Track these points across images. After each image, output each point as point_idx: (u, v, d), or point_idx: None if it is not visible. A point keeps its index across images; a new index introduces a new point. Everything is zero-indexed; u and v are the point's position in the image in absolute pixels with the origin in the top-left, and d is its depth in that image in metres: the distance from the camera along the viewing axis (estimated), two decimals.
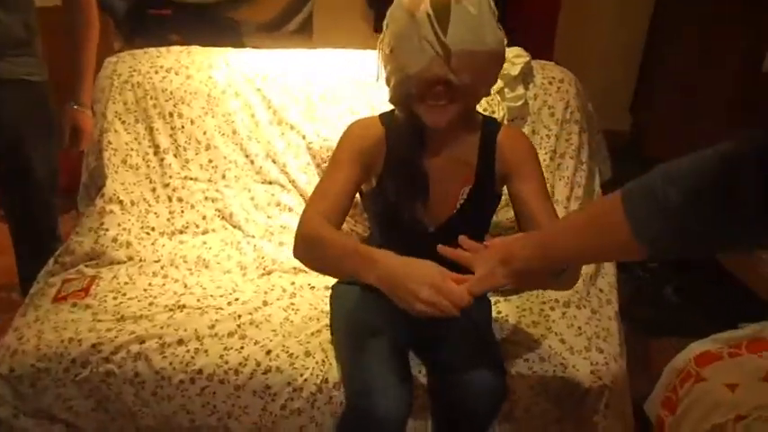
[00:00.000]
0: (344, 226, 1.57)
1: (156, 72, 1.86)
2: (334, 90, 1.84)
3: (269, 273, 1.68)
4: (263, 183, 1.81)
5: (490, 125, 1.35)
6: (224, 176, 1.81)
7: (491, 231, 1.54)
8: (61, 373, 1.40)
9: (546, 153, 1.78)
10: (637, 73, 3.34)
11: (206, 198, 1.80)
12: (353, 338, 1.35)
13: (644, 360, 2.03)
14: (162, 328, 1.46)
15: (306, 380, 1.39)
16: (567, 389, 1.39)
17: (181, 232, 1.77)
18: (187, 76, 1.85)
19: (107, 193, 1.77)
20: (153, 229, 1.76)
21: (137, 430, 1.45)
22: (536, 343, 1.47)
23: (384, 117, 1.35)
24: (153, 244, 1.74)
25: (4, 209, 1.86)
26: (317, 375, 1.39)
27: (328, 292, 1.58)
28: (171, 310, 1.53)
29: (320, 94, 1.83)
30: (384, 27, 1.24)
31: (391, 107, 1.34)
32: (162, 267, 1.68)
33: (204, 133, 1.83)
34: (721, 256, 2.17)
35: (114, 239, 1.71)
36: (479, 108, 1.40)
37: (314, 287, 1.64)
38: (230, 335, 1.46)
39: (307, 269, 1.69)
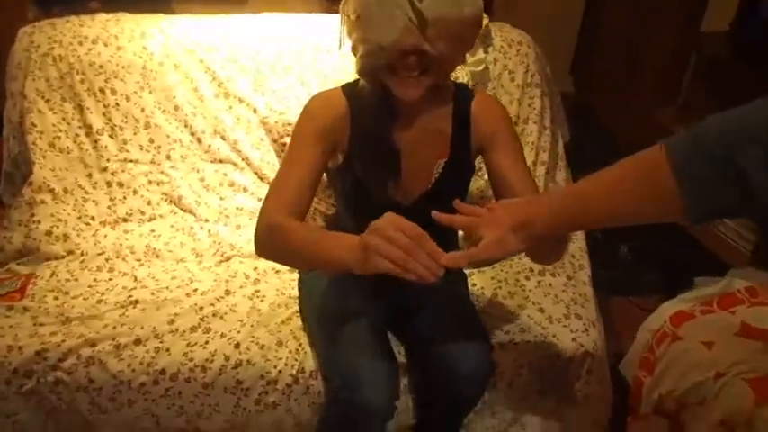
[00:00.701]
0: None
1: (81, 43, 1.66)
2: (284, 59, 1.71)
3: (228, 259, 1.56)
4: (212, 162, 1.67)
5: (463, 92, 1.27)
6: (168, 157, 1.66)
7: None
8: (2, 385, 1.25)
9: None
10: (577, 34, 3.35)
11: (150, 181, 1.65)
12: (330, 325, 1.27)
13: (605, 320, 2.07)
14: (115, 327, 1.33)
15: (280, 371, 1.30)
16: (549, 358, 1.37)
17: (125, 220, 1.61)
18: (118, 48, 1.66)
19: (35, 181, 1.58)
20: (92, 218, 1.60)
21: None
22: (515, 314, 1.44)
23: (347, 89, 1.23)
24: (94, 235, 1.57)
25: None
26: (292, 365, 1.31)
27: (295, 276, 1.48)
28: (122, 306, 1.40)
29: (270, 64, 1.69)
30: None
31: (348, 76, 1.22)
32: (107, 260, 1.53)
33: (142, 110, 1.65)
34: None
35: (49, 233, 1.54)
36: None
37: (279, 271, 1.53)
38: (193, 329, 1.35)
39: None
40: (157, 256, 1.56)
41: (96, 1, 2.38)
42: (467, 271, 1.52)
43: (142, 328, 1.34)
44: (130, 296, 1.42)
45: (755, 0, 1.96)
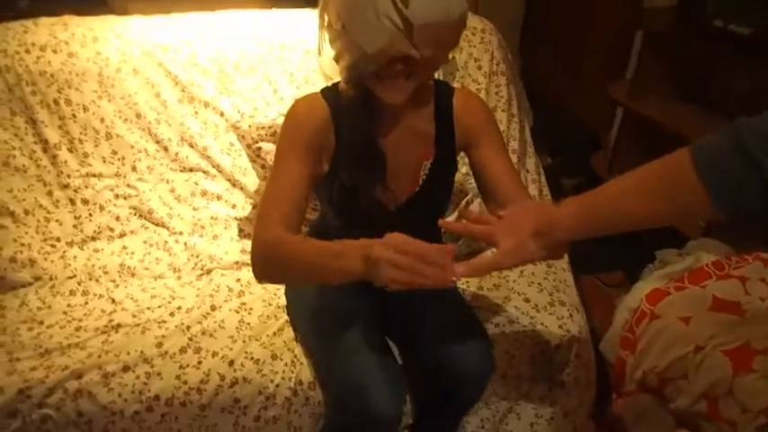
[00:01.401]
0: None
1: (28, 51, 1.54)
2: (247, 58, 1.64)
3: (208, 272, 1.52)
4: (182, 171, 1.60)
5: (443, 90, 1.26)
6: (134, 168, 1.58)
7: None
8: None
9: None
10: (523, 14, 3.37)
11: (116, 196, 1.57)
12: (326, 332, 1.25)
13: None
14: (99, 356, 1.28)
15: (278, 385, 1.28)
16: (539, 346, 1.41)
17: (93, 239, 1.54)
18: (69, 54, 1.55)
19: None
20: (58, 239, 1.51)
21: None
22: (502, 306, 1.46)
23: (327, 94, 1.19)
24: (62, 257, 1.49)
25: None
26: (289, 378, 1.29)
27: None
28: (104, 332, 1.34)
29: (233, 64, 1.62)
30: None
31: (315, 74, 1.17)
32: (79, 283, 1.46)
33: (102, 120, 1.56)
34: None
35: (12, 259, 1.45)
36: None
37: None
38: (183, 350, 1.31)
39: (249, 262, 1.55)
40: (133, 275, 1.50)
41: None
42: None
43: (129, 353, 1.28)
44: (111, 320, 1.36)
45: None
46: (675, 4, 2.16)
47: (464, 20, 1.08)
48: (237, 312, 1.41)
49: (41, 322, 1.35)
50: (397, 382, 1.17)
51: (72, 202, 1.54)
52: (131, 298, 1.43)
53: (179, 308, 1.41)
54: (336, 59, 1.12)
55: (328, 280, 1.06)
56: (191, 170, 1.60)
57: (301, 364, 1.31)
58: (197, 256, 1.53)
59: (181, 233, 1.56)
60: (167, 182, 1.59)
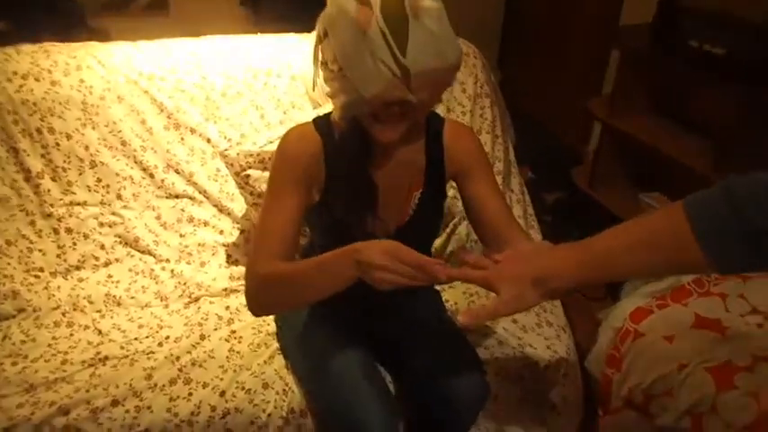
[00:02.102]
0: None
1: (9, 80, 1.53)
2: (233, 85, 1.65)
3: (196, 300, 1.51)
4: (168, 197, 1.59)
5: (433, 121, 1.27)
6: (119, 196, 1.57)
7: None
8: None
9: None
10: (500, 29, 3.42)
11: (101, 224, 1.55)
12: (317, 362, 1.25)
13: None
14: (87, 390, 1.26)
15: (269, 414, 1.28)
16: (528, 368, 1.42)
17: (77, 269, 1.52)
18: (52, 83, 1.54)
19: None
20: (41, 270, 1.49)
21: None
22: (490, 327, 1.48)
23: (320, 125, 1.20)
24: (46, 288, 1.47)
25: None
26: (281, 407, 1.29)
27: None
28: (91, 365, 1.32)
29: (220, 91, 1.62)
30: (320, 32, 1.09)
31: (302, 98, 1.17)
32: (64, 315, 1.44)
33: (86, 148, 1.55)
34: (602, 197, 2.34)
35: None
36: None
37: None
38: (173, 382, 1.29)
39: (238, 288, 1.55)
40: (119, 305, 1.48)
41: (2, 21, 2.20)
42: (437, 287, 1.54)
43: (117, 387, 1.27)
44: (98, 352, 1.35)
45: None
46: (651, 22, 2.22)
47: (459, 63, 1.10)
48: (227, 341, 1.40)
49: (26, 356, 1.33)
50: (391, 411, 1.18)
51: (55, 231, 1.52)
52: (118, 328, 1.42)
53: (167, 337, 1.40)
54: (331, 97, 1.13)
55: (325, 288, 1.06)
56: (177, 197, 1.60)
57: (293, 392, 1.31)
58: (184, 284, 1.52)
59: (168, 260, 1.55)
60: (153, 209, 1.58)
